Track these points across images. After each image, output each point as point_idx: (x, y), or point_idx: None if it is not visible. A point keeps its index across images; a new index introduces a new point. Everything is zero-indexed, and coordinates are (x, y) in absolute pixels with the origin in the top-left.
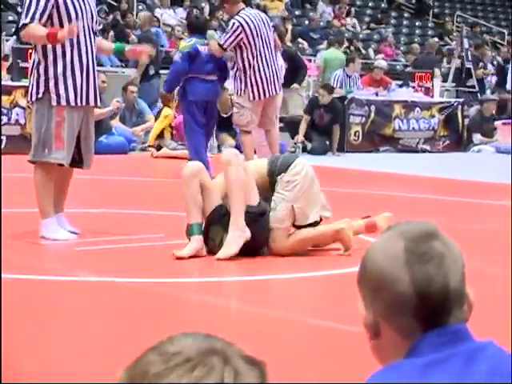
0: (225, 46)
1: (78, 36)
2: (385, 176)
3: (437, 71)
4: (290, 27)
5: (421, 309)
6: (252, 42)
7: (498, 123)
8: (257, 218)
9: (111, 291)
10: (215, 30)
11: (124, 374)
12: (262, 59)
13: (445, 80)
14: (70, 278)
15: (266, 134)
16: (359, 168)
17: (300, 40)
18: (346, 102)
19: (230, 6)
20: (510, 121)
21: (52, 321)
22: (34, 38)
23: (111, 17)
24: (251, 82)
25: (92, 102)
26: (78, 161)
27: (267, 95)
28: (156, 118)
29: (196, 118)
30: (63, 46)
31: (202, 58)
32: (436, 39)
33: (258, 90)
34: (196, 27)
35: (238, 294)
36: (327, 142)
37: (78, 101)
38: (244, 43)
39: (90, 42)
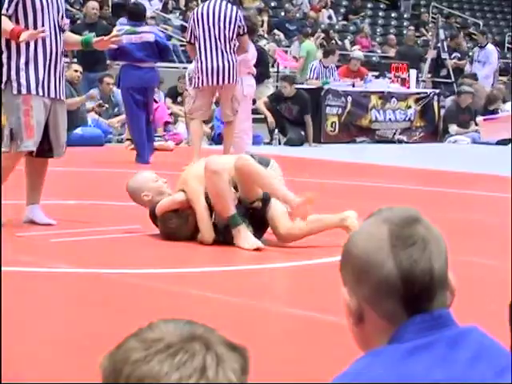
0: (187, 39)
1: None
2: (362, 167)
3: (422, 65)
4: (265, 18)
5: (405, 292)
6: (201, 33)
7: (479, 119)
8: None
9: (86, 282)
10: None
11: (105, 361)
12: (207, 50)
13: (420, 71)
14: (45, 269)
15: (224, 126)
16: (336, 159)
17: (276, 31)
18: (322, 93)
19: None
20: (492, 116)
21: (28, 312)
22: (1, 29)
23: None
24: (196, 70)
25: (54, 95)
26: (47, 150)
27: (209, 83)
28: None
29: (132, 104)
30: (29, 45)
31: (133, 47)
32: (412, 29)
33: (200, 78)
34: (133, 14)
35: (216, 285)
36: (302, 133)
37: (40, 91)
38: (194, 34)
39: (56, 36)
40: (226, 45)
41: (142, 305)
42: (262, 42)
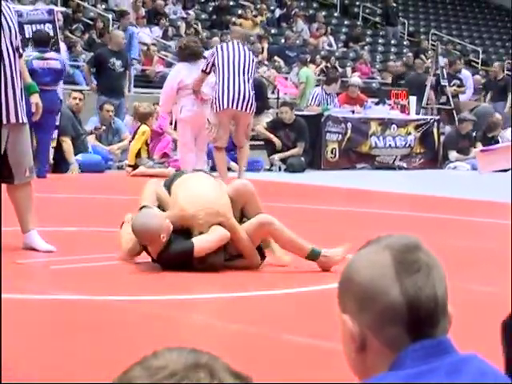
0: (203, 68)
1: None
2: (362, 193)
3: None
4: (266, 45)
5: (410, 319)
6: (225, 63)
7: (476, 150)
8: None
9: (88, 309)
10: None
11: None
12: (230, 77)
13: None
14: (46, 296)
15: (237, 151)
16: (336, 185)
17: (276, 58)
18: (322, 120)
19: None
20: (490, 147)
21: (30, 339)
22: None
23: (87, 36)
24: (218, 95)
25: (14, 120)
26: (7, 176)
27: (230, 106)
28: (133, 137)
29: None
30: None
31: (39, 72)
32: (410, 56)
33: (222, 102)
34: (39, 41)
35: (216, 311)
36: (302, 159)
37: (3, 119)
38: (215, 64)
39: (9, 58)
40: (246, 77)
41: (144, 331)
42: (262, 69)
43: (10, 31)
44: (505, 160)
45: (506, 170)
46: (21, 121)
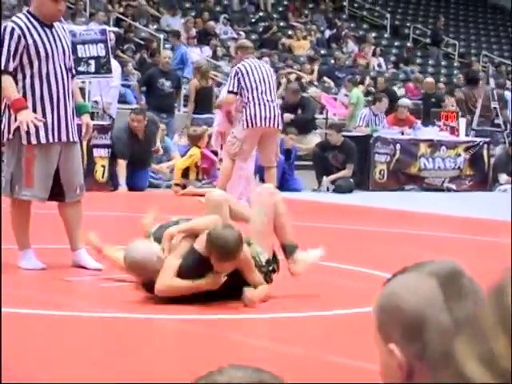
0: (230, 89)
1: (48, 74)
2: (410, 215)
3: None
4: (316, 67)
5: None
6: (248, 82)
7: None
8: None
9: (136, 327)
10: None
11: None
12: (257, 96)
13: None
14: (94, 314)
15: (265, 171)
16: (383, 206)
17: (326, 79)
18: (371, 141)
19: (242, 53)
20: None
21: (79, 355)
22: (3, 89)
23: (138, 55)
24: (246, 113)
25: (64, 139)
26: (58, 194)
27: (261, 125)
28: (182, 157)
29: None
30: (33, 84)
31: None
32: (461, 77)
33: (252, 120)
34: None
35: (253, 332)
36: (351, 180)
37: (50, 138)
38: (242, 83)
39: (62, 79)
40: (273, 94)
41: (191, 350)
42: (312, 90)
43: (64, 52)
44: None
45: None
46: (72, 139)
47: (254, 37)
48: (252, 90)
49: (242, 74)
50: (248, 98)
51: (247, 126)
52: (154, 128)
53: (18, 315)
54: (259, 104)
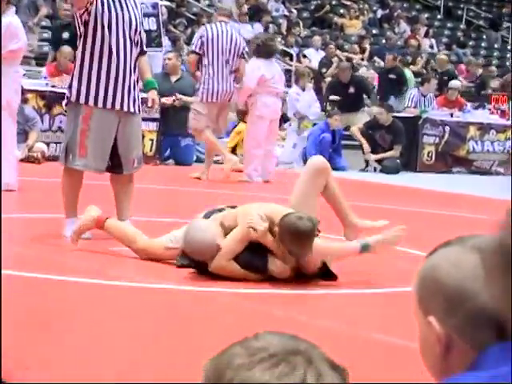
0: (193, 49)
1: (110, 44)
2: (456, 197)
3: None
4: (367, 46)
5: (502, 322)
6: (211, 51)
7: None
8: None
9: (172, 297)
10: (292, 46)
11: (209, 363)
12: (217, 70)
13: None
14: (141, 284)
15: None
16: (430, 188)
17: (376, 59)
18: (419, 122)
19: (217, 14)
20: None
21: (133, 328)
22: None
23: (189, 30)
24: (204, 87)
25: (119, 107)
26: (116, 166)
27: (217, 99)
28: (229, 133)
29: None
30: (101, 52)
31: None
32: None
33: (209, 95)
34: None
35: (302, 307)
36: (398, 161)
37: (109, 103)
38: (205, 49)
39: (125, 50)
40: (228, 67)
41: (228, 323)
42: (362, 70)
43: (131, 23)
44: None
45: None
46: (130, 110)
47: (305, 14)
48: (212, 62)
49: (207, 39)
50: (208, 72)
51: (206, 100)
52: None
53: (63, 282)
54: (217, 79)
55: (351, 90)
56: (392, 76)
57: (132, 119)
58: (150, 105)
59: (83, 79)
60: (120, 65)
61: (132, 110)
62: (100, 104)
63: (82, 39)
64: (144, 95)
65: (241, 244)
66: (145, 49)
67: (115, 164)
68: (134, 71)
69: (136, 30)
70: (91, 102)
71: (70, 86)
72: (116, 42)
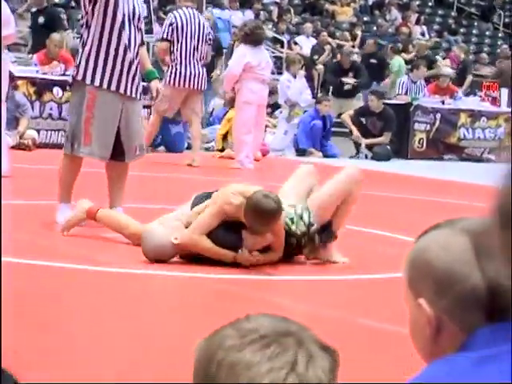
0: (164, 37)
1: (113, 29)
2: (447, 184)
3: None
4: (358, 33)
5: (491, 304)
6: (180, 36)
7: None
8: None
9: (166, 283)
10: (283, 33)
11: (200, 345)
12: (185, 55)
13: None
14: (127, 270)
15: (188, 126)
16: (421, 175)
17: None
18: (411, 109)
19: (182, 1)
20: None
21: (118, 312)
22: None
23: None
24: (171, 70)
25: (129, 93)
26: (119, 153)
27: (184, 86)
28: (220, 120)
29: None
30: (110, 35)
31: None
32: (506, 48)
33: (176, 79)
34: None
35: (291, 294)
36: (388, 148)
37: (113, 86)
38: (175, 35)
39: (130, 35)
40: (199, 53)
41: (220, 309)
42: (354, 57)
43: (134, 12)
44: None
45: None
46: (133, 95)
47: (296, 1)
48: (181, 47)
49: (177, 26)
50: (176, 56)
51: (173, 84)
52: None
53: (53, 268)
54: (186, 64)
55: (350, 75)
56: (373, 61)
57: (134, 106)
58: (154, 94)
59: (90, 60)
60: (126, 49)
61: (134, 95)
62: (105, 85)
63: (90, 19)
64: (144, 85)
65: (216, 218)
66: (143, 39)
67: (117, 152)
68: (137, 58)
69: (139, 19)
70: (97, 82)
71: (78, 66)
72: (122, 26)
